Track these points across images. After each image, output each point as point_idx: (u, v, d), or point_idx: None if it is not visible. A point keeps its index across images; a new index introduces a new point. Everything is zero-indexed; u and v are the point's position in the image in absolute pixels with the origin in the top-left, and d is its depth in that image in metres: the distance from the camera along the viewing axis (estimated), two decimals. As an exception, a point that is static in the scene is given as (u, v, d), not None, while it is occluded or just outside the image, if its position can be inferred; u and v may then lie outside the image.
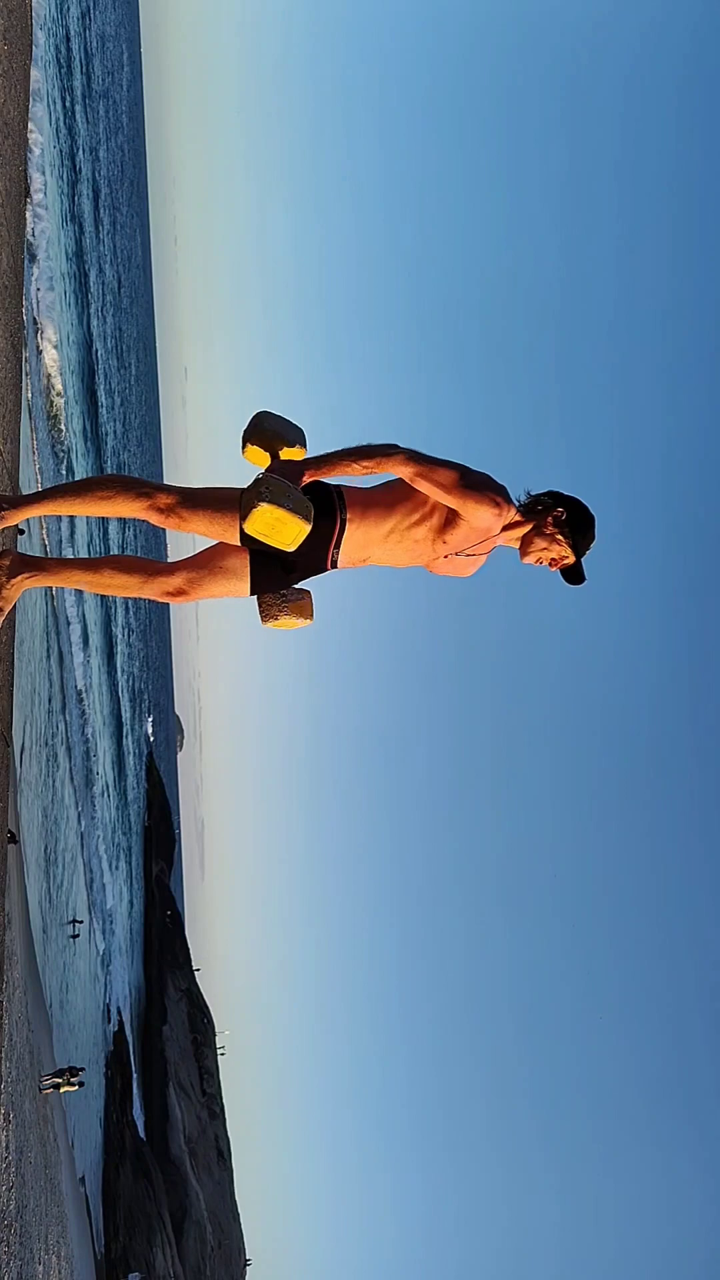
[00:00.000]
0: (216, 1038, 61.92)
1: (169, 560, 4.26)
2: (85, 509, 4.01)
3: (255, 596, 4.11)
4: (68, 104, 35.95)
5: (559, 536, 4.01)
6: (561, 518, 4.01)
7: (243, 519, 3.80)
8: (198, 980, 62.58)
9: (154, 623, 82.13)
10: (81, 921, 30.31)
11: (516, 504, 4.02)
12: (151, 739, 68.12)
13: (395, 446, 3.90)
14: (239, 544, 3.99)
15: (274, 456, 3.95)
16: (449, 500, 3.90)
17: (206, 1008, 59.89)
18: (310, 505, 3.82)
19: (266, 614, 4.08)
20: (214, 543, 4.12)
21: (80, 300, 36.65)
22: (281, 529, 3.79)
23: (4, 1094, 9.60)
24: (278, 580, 4.05)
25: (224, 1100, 58.88)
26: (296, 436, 4.01)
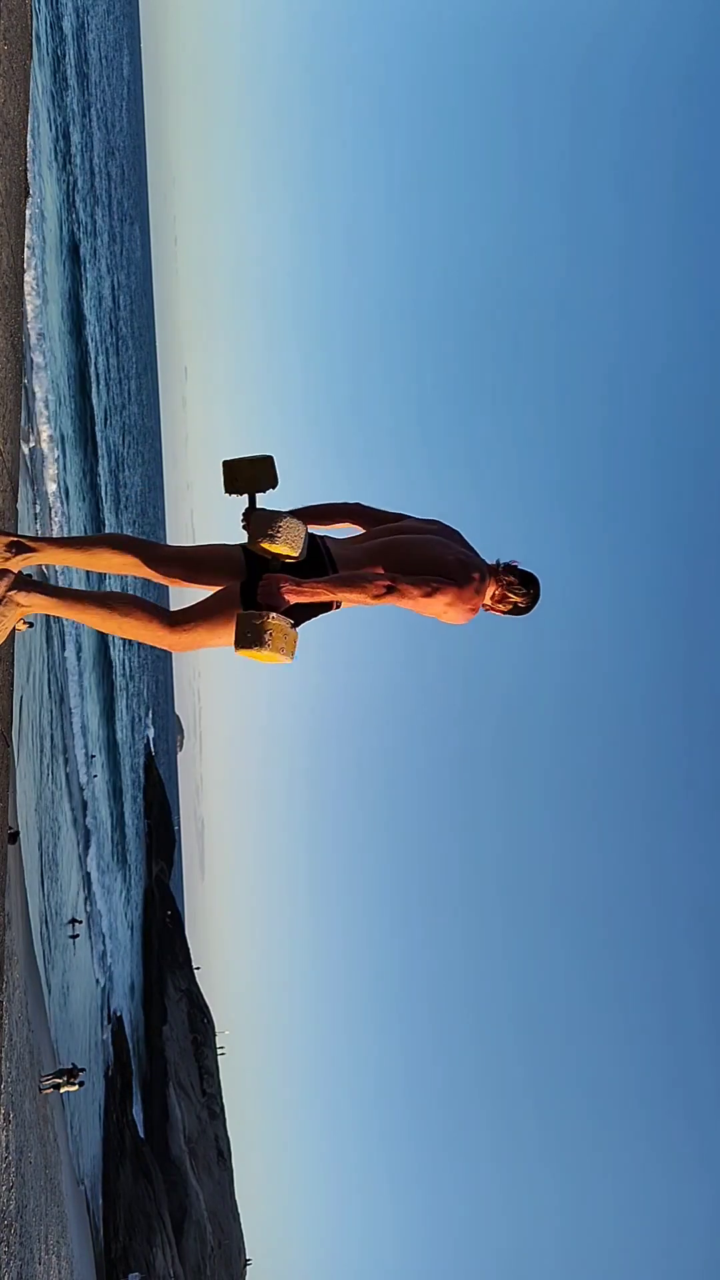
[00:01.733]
0: (216, 1038, 61.88)
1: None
2: (86, 564, 4.22)
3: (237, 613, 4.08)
4: (68, 104, 35.95)
5: (508, 595, 4.42)
6: (513, 579, 4.40)
7: (238, 644, 3.96)
8: (198, 980, 62.56)
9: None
10: (81, 921, 30.30)
11: (493, 569, 4.41)
12: (152, 739, 68.10)
13: (380, 580, 4.13)
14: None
15: (253, 500, 4.16)
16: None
17: (206, 1008, 59.87)
18: (296, 636, 4.05)
19: (241, 639, 4.02)
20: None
21: (80, 299, 36.64)
22: (268, 659, 4.02)
23: (4, 1094, 9.60)
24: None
25: (224, 1100, 58.84)
26: (268, 478, 4.18)
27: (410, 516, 4.48)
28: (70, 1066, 21.41)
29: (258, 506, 4.13)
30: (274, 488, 4.18)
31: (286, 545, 4.04)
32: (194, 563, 4.19)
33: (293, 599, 4.05)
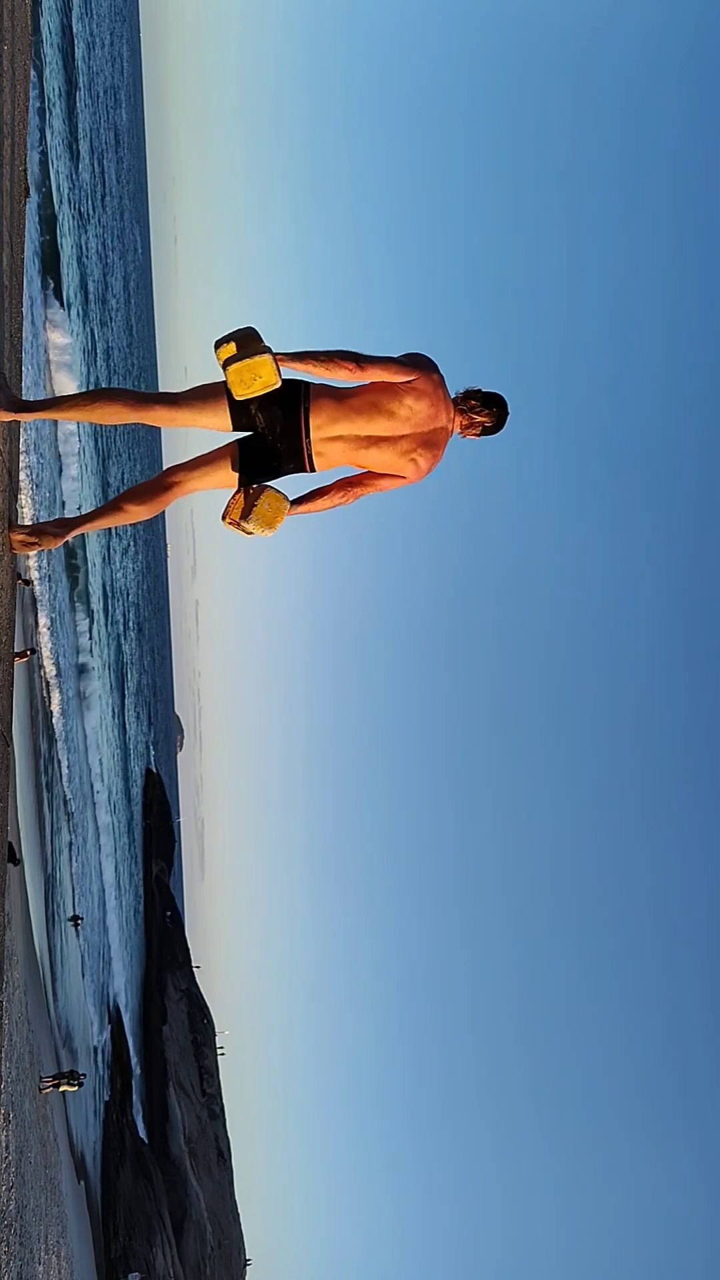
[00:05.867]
0: (216, 1038, 61.85)
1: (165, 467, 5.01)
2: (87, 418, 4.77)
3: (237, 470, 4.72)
4: (68, 103, 35.99)
5: (474, 417, 4.96)
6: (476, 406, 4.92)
7: (242, 516, 4.60)
8: (197, 979, 62.55)
9: (154, 623, 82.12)
10: (82, 920, 30.35)
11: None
12: (151, 739, 68.11)
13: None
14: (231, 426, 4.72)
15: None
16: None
17: (206, 1008, 59.85)
18: (285, 509, 4.65)
19: (232, 510, 4.64)
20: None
21: (81, 300, 36.67)
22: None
23: (4, 1094, 9.60)
24: (264, 461, 4.68)
25: (224, 1100, 58.81)
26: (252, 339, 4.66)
27: (393, 361, 4.82)
28: (70, 1071, 21.39)
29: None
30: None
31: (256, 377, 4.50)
32: (175, 397, 4.69)
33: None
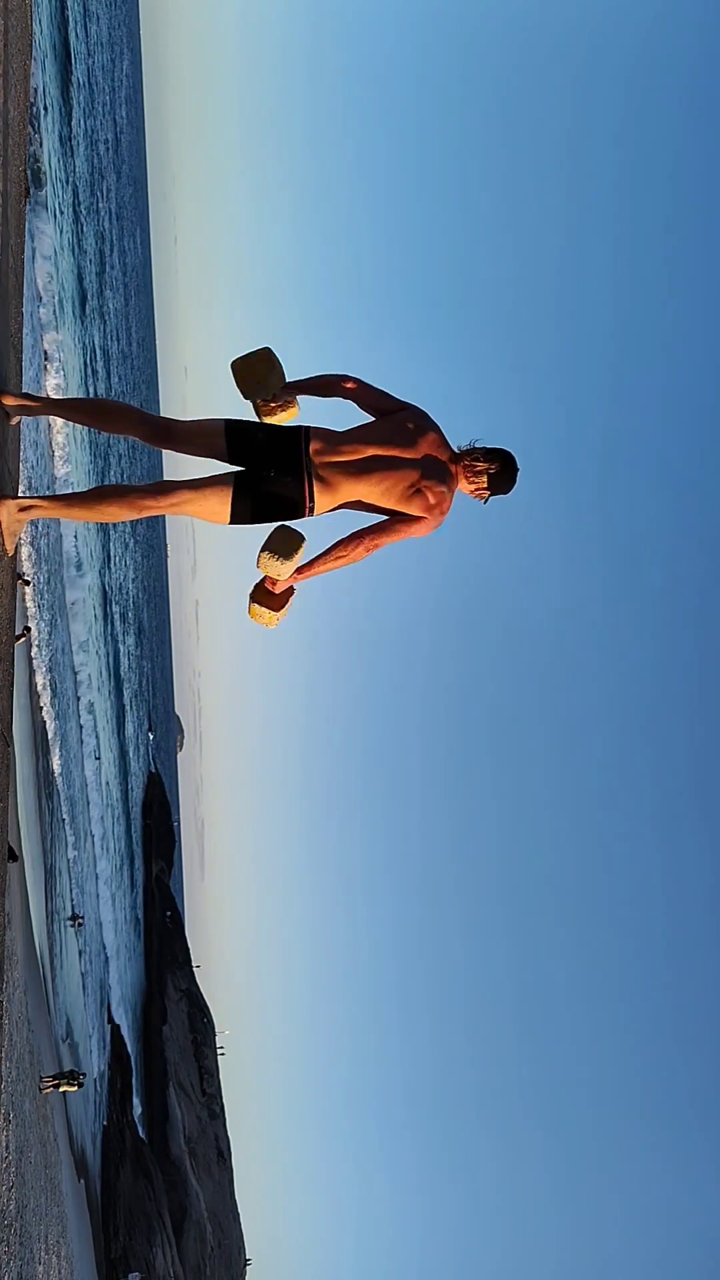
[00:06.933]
0: (216, 1038, 61.82)
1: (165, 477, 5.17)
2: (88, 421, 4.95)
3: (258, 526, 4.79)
4: (68, 102, 35.95)
5: (475, 479, 4.89)
6: (491, 470, 4.85)
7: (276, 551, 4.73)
8: (197, 978, 62.51)
9: (154, 623, 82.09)
10: (82, 919, 30.34)
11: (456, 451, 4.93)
12: (152, 740, 68.07)
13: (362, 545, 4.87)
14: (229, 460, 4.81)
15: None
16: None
17: (206, 1008, 59.82)
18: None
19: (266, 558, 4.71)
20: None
21: (80, 300, 36.66)
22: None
23: (4, 1094, 9.60)
24: (260, 485, 4.70)
25: (224, 1100, 58.79)
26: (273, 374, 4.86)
27: (386, 392, 4.90)
28: (70, 1070, 21.40)
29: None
30: (281, 383, 4.85)
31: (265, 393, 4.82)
32: (173, 425, 4.83)
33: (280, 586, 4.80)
